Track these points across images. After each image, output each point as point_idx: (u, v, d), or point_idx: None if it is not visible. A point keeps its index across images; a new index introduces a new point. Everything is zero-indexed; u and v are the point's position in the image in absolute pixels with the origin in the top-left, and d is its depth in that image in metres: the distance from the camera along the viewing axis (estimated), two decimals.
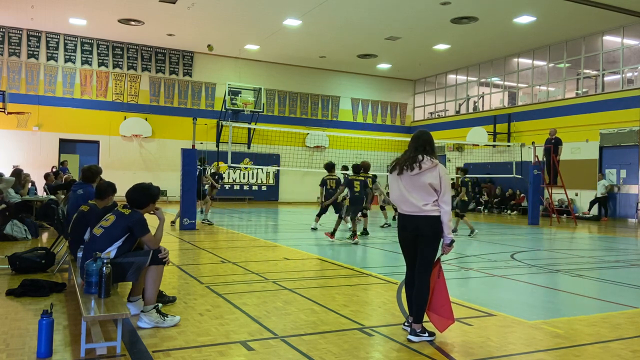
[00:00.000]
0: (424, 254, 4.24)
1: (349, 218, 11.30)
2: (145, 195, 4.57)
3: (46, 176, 13.64)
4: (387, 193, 14.23)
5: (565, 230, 14.73)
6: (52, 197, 11.57)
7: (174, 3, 17.43)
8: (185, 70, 23.90)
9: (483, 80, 25.01)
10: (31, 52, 21.22)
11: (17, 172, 11.66)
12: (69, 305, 5.00)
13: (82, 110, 21.98)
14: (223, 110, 23.53)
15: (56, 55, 21.66)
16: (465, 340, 4.21)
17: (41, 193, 14.23)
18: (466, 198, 12.65)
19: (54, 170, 17.51)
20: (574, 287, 6.74)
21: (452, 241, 4.26)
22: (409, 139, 4.57)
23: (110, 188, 5.67)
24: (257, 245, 9.89)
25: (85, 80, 22.16)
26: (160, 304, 4.56)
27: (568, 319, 4.95)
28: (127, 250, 4.48)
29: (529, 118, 21.84)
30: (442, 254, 4.32)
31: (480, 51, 22.46)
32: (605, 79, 19.72)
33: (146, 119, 22.88)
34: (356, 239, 10.27)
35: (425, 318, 4.26)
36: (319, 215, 12.60)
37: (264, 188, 25.29)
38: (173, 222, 12.63)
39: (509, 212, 21.48)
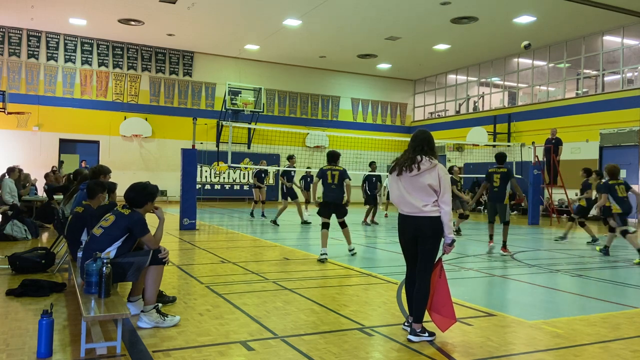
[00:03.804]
0: (425, 254, 4.24)
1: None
2: (143, 194, 4.56)
3: (46, 176, 13.64)
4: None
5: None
6: (49, 199, 11.49)
7: (174, 3, 17.42)
8: (185, 70, 23.88)
9: (483, 80, 25.00)
10: (31, 52, 21.21)
11: (11, 169, 11.36)
12: (69, 305, 5.00)
13: (82, 110, 21.96)
14: (223, 110, 23.52)
15: (56, 55, 21.64)
16: (465, 340, 4.21)
17: (41, 193, 14.23)
18: (584, 203, 12.01)
19: (54, 169, 17.51)
20: (574, 287, 6.74)
21: (453, 241, 4.26)
22: (409, 139, 4.57)
23: (99, 187, 5.66)
24: (257, 245, 9.89)
25: (85, 80, 22.15)
26: (160, 304, 4.56)
27: (568, 319, 4.95)
28: (127, 250, 4.47)
29: (529, 118, 21.82)
30: (443, 254, 4.33)
31: (480, 51, 22.45)
32: (605, 79, 19.71)
33: (146, 119, 22.86)
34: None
35: (426, 318, 4.26)
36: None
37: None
38: (304, 221, 14.16)
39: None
